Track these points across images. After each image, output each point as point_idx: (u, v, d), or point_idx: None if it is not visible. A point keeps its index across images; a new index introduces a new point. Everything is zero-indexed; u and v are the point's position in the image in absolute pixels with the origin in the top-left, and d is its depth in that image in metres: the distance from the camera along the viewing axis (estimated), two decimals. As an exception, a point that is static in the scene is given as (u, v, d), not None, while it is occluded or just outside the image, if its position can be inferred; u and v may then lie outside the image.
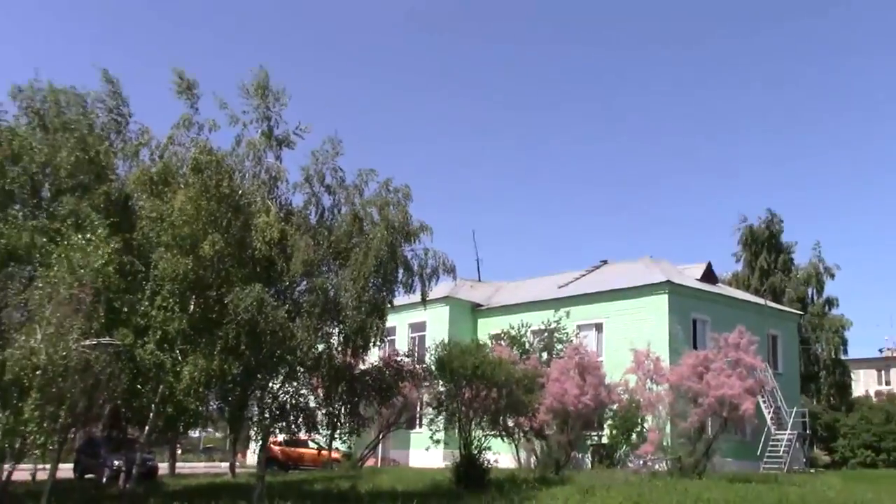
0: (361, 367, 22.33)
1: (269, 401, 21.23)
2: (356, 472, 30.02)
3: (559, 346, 36.55)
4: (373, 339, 20.42)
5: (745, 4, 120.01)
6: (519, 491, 22.60)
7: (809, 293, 48.46)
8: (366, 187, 21.75)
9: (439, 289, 32.35)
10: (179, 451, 44.62)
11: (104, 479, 28.25)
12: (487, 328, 41.48)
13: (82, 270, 14.17)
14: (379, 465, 38.10)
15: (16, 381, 13.41)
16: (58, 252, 14.78)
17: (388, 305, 21.33)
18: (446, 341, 25.43)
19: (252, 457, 45.04)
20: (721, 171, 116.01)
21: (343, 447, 35.40)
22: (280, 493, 22.52)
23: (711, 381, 24.73)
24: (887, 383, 57.36)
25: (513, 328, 36.98)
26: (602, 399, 28.52)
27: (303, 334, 19.27)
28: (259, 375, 20.91)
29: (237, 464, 37.29)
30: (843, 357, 49.74)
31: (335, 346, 20.64)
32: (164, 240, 19.53)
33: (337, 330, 20.59)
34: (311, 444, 34.68)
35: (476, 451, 23.95)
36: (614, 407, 30.26)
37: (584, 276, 44.35)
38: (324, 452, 34.69)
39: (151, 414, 20.42)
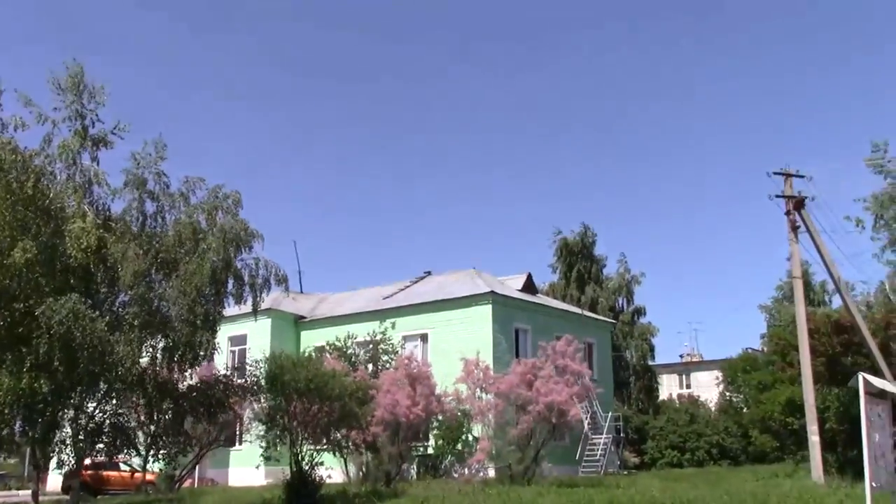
0: (187, 382, 21.01)
1: (84, 421, 19.58)
2: (175, 495, 28.32)
3: (385, 358, 36.41)
4: (202, 354, 19.31)
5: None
6: (356, 505, 22.11)
7: (619, 302, 50.81)
8: (192, 195, 20.63)
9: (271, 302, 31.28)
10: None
11: None
12: (311, 340, 40.71)
13: None
14: (196, 485, 36.28)
15: None
16: None
17: (219, 317, 20.25)
18: (271, 354, 24.45)
19: (52, 483, 41.85)
20: (540, 182, 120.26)
21: (157, 468, 33.51)
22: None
23: (541, 388, 25.17)
24: (688, 387, 61.06)
25: (339, 340, 36.43)
26: (433, 409, 28.45)
27: (124, 349, 17.91)
28: (73, 394, 19.28)
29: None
30: (650, 363, 52.48)
31: (160, 360, 19.26)
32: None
33: (161, 344, 19.24)
34: (122, 465, 32.57)
35: (308, 467, 23.15)
36: (440, 417, 30.36)
37: (408, 287, 44.50)
38: (137, 475, 32.59)
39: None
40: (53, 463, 23.18)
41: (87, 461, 35.41)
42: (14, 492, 41.27)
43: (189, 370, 19.95)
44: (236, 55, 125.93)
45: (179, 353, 18.98)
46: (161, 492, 31.57)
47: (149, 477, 33.01)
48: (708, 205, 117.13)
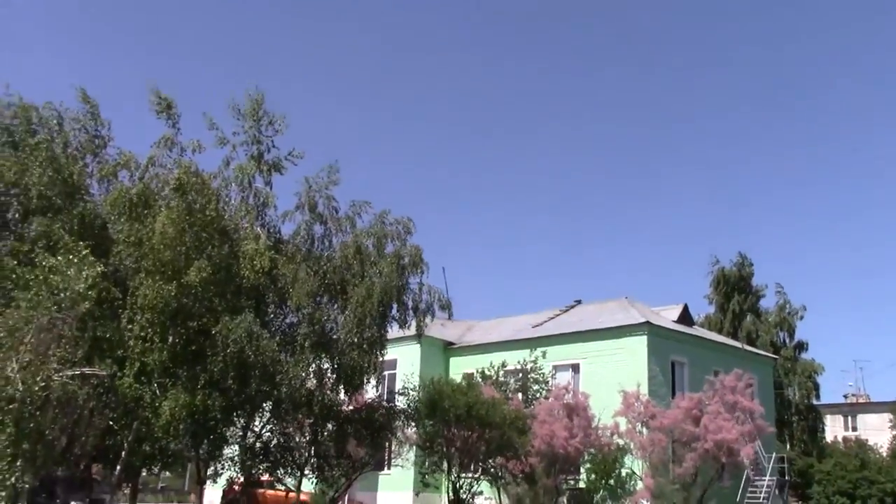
0: (352, 406, 21.02)
1: (252, 439, 19.85)
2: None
3: (536, 387, 35.72)
4: (368, 377, 19.27)
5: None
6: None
7: (780, 337, 48.28)
8: (358, 218, 20.77)
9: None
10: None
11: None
12: (460, 367, 40.47)
13: (63, 294, 12.76)
14: (345, 507, 36.51)
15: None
16: (35, 274, 13.36)
17: (385, 341, 20.23)
18: (430, 379, 24.30)
19: (209, 497, 43.09)
20: (691, 210, 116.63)
21: (309, 488, 33.91)
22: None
23: (709, 425, 23.88)
24: (854, 429, 57.26)
25: (492, 367, 36.01)
26: (591, 441, 27.53)
27: (294, 369, 18.04)
28: (242, 412, 19.58)
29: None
30: (814, 402, 49.55)
31: (327, 383, 19.31)
32: (144, 265, 18.19)
33: (329, 366, 19.30)
34: (277, 485, 33.12)
35: (468, 496, 22.80)
36: (592, 451, 29.39)
37: (558, 315, 43.72)
38: (291, 494, 33.04)
39: (124, 452, 18.90)
40: (212, 478, 23.76)
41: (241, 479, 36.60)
42: (175, 504, 42.62)
43: (357, 393, 19.90)
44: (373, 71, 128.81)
45: (347, 375, 18.93)
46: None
47: (302, 497, 33.56)
48: (872, 233, 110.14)
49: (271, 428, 20.10)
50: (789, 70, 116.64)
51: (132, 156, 20.82)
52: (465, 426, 22.48)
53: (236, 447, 20.32)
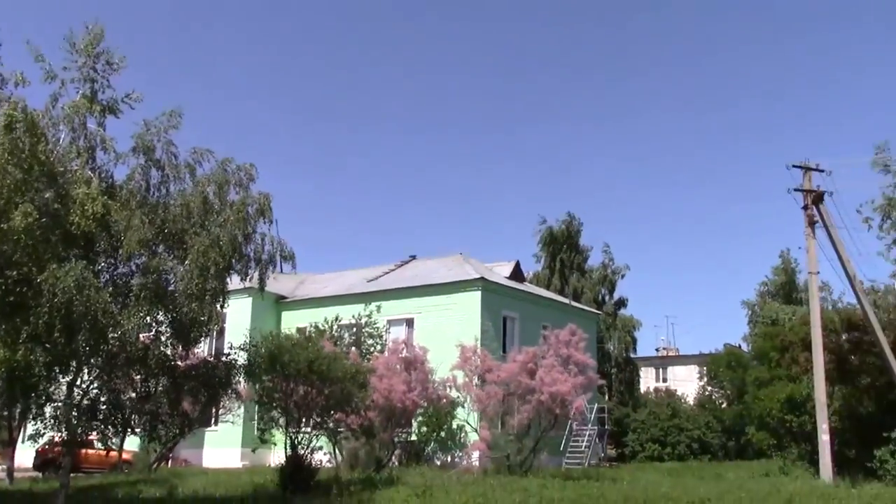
0: (187, 361, 20.05)
1: (79, 397, 18.54)
2: (155, 475, 27.40)
3: (370, 342, 35.74)
4: (209, 330, 18.45)
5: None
6: (351, 494, 21.36)
7: (602, 293, 50.49)
8: (199, 167, 19.58)
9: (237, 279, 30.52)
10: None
11: None
12: (292, 321, 39.94)
13: None
14: (169, 465, 35.33)
15: None
16: None
17: (226, 293, 19.36)
18: (269, 333, 23.67)
19: (19, 459, 40.43)
20: (524, 172, 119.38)
21: (132, 447, 32.52)
22: (80, 502, 20.03)
23: (545, 378, 24.59)
24: (664, 380, 61.06)
25: (326, 322, 35.64)
26: (429, 395, 27.80)
27: (129, 321, 16.94)
28: (66, 368, 18.23)
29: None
30: (632, 356, 52.32)
31: (162, 336, 18.29)
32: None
33: (166, 319, 18.25)
34: (97, 444, 31.54)
35: (306, 451, 22.43)
36: (424, 404, 29.73)
37: (393, 270, 43.95)
38: (112, 453, 31.53)
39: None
40: (33, 439, 22.29)
41: (58, 438, 34.57)
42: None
43: (192, 346, 18.99)
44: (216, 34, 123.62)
45: (185, 328, 18.00)
46: (138, 471, 30.61)
47: (125, 456, 32.11)
48: (692, 199, 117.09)
49: (100, 385, 18.85)
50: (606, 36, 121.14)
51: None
52: (305, 381, 22.01)
53: (58, 405, 19.03)
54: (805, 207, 22.31)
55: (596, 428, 38.30)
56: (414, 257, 45.34)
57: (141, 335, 17.79)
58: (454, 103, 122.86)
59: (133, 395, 19.46)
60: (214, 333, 38.15)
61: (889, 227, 26.85)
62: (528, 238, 58.59)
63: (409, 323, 38.48)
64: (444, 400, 28.79)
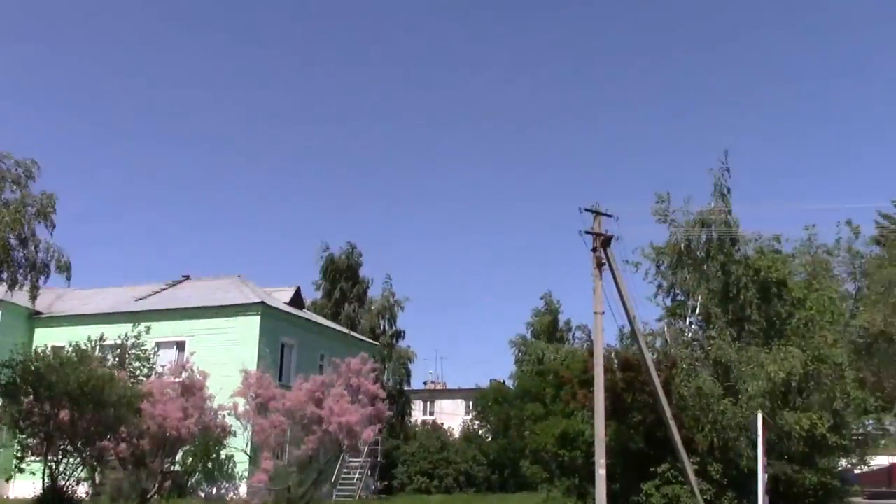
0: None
1: None
2: None
3: (136, 364, 33.36)
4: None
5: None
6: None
7: (382, 325, 50.42)
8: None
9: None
10: None
11: None
12: (47, 339, 36.32)
13: None
14: None
15: None
16: None
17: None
18: (32, 351, 21.37)
19: None
20: (305, 201, 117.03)
21: None
22: None
23: (334, 408, 23.85)
24: (431, 413, 61.88)
25: (90, 341, 32.79)
26: (208, 422, 26.16)
27: None
28: None
29: None
30: (405, 388, 52.55)
31: None
32: None
33: None
34: None
35: (67, 482, 20.32)
36: (200, 431, 28.05)
37: (164, 290, 41.45)
38: None
39: None
40: None
41: None
42: None
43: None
44: None
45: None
46: None
47: None
48: (466, 233, 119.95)
49: None
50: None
51: None
52: (71, 404, 19.98)
53: None
54: (594, 249, 23.27)
55: (369, 460, 37.91)
56: (187, 277, 43.01)
57: None
58: (231, 115, 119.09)
59: None
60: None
61: (656, 274, 28.85)
62: (308, 266, 57.62)
63: (181, 346, 36.24)
64: (221, 429, 27.23)
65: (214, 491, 32.02)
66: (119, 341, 33.79)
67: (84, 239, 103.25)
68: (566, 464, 28.01)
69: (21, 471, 20.42)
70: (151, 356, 33.97)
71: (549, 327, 57.01)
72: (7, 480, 21.34)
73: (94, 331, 34.16)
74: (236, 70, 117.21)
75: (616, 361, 26.20)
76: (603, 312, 23.24)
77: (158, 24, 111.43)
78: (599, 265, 23.47)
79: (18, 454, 20.70)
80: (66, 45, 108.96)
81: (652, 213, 27.82)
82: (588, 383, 24.99)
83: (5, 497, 30.30)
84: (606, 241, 23.51)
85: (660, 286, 29.35)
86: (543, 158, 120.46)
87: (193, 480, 30.69)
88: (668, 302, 29.49)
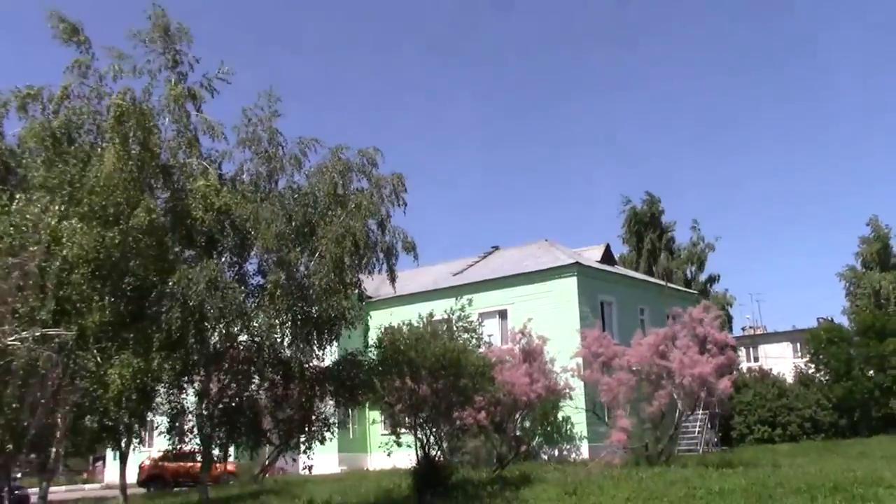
0: (320, 363, 18.64)
1: (209, 407, 17.26)
2: (272, 486, 26.24)
3: (465, 336, 34.35)
4: (349, 326, 17.11)
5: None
6: (492, 495, 19.89)
7: (691, 272, 48.56)
8: (305, 158, 18.19)
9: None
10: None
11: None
12: (380, 321, 38.41)
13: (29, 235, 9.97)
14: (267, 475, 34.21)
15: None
16: None
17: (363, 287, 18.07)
18: (388, 328, 22.24)
19: (108, 476, 39.81)
20: (603, 148, 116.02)
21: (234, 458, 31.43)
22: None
23: (684, 360, 22.83)
24: (755, 359, 58.64)
25: (421, 318, 34.25)
26: (551, 386, 26.25)
27: (265, 321, 15.64)
28: (196, 375, 17.04)
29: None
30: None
31: (299, 336, 16.87)
32: (76, 211, 15.22)
33: (300, 317, 16.85)
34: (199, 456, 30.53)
35: (437, 452, 21.08)
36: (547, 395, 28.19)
37: (477, 262, 42.43)
38: (217, 465, 30.48)
39: (59, 432, 15.98)
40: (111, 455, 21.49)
41: (159, 453, 33.51)
42: (81, 486, 39.18)
43: (329, 346, 17.63)
44: None
45: (321, 325, 16.62)
46: (245, 482, 29.54)
47: (230, 468, 31.01)
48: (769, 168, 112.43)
49: (233, 392, 17.57)
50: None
51: (41, 88, 17.61)
52: (432, 377, 20.63)
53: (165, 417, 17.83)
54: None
55: (708, 412, 36.38)
56: (497, 248, 43.78)
57: (277, 336, 16.43)
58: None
59: (266, 401, 18.10)
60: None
61: None
62: (609, 223, 56.72)
63: (503, 314, 36.91)
64: (567, 390, 27.23)
65: (556, 453, 32.23)
66: (445, 316, 35.18)
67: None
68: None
69: (399, 445, 21.46)
70: (477, 327, 35.03)
71: (880, 255, 51.81)
72: (388, 455, 22.49)
73: (420, 309, 35.85)
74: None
75: None
76: None
77: None
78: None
79: (389, 430, 21.83)
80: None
81: None
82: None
83: (344, 470, 32.50)
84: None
85: None
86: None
87: (535, 443, 31.06)
88: None
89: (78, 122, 16.85)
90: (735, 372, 27.55)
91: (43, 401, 10.59)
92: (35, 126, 16.31)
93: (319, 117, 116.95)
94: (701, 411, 35.34)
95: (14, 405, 9.77)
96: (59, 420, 11.44)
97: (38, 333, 10.09)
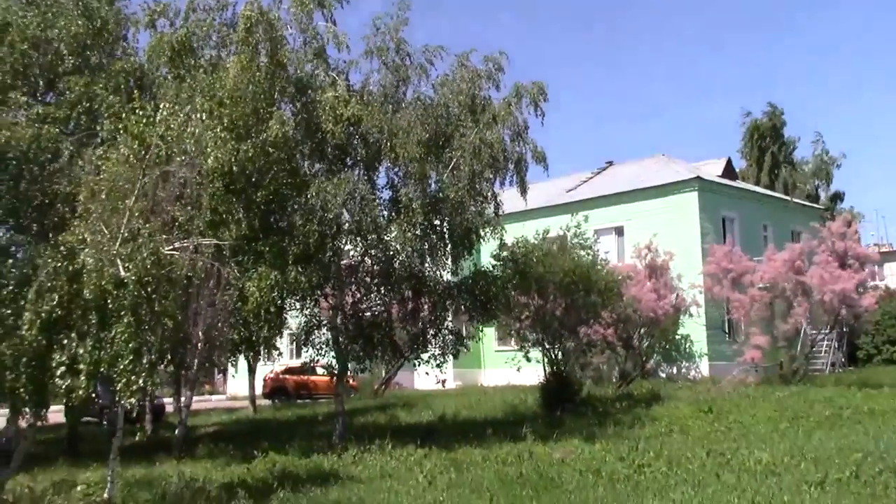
0: (451, 278, 18.42)
1: (342, 321, 17.29)
2: (394, 400, 26.62)
3: (581, 253, 33.70)
4: (485, 238, 16.81)
5: None
6: (624, 411, 19.59)
7: (816, 187, 46.36)
8: (431, 67, 17.64)
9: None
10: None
11: (106, 423, 23.30)
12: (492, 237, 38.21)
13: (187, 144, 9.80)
14: (383, 389, 34.78)
15: (96, 302, 9.26)
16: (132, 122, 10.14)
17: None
18: (514, 243, 21.72)
19: (234, 387, 41.13)
20: (702, 63, 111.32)
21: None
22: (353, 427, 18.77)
23: (825, 276, 21.76)
24: (882, 278, 56.11)
25: (537, 235, 33.75)
26: (679, 303, 25.56)
27: (401, 234, 15.41)
28: (328, 288, 17.02)
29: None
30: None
31: (437, 249, 16.63)
32: (214, 123, 15.14)
33: (438, 229, 16.60)
34: (319, 370, 31.16)
35: (565, 367, 20.83)
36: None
37: (591, 178, 41.30)
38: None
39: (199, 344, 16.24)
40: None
41: (281, 367, 34.32)
42: (208, 396, 40.71)
43: (464, 260, 17.41)
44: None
45: (458, 237, 16.35)
46: (366, 396, 30.07)
47: (351, 383, 31.59)
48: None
49: (367, 306, 17.56)
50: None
51: (167, 4, 17.51)
52: (560, 293, 20.23)
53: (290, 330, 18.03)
54: None
55: (836, 331, 34.97)
56: (611, 163, 42.54)
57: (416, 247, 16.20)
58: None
59: (399, 315, 18.01)
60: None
61: None
62: (728, 136, 54.18)
63: (619, 231, 35.91)
64: (695, 306, 26.49)
65: (675, 371, 31.63)
66: (561, 233, 34.52)
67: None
68: None
69: (528, 360, 21.28)
70: (593, 244, 34.28)
71: None
72: (518, 370, 22.35)
73: (535, 225, 35.25)
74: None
75: None
76: None
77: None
78: None
79: (517, 345, 21.63)
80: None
81: None
82: None
83: (459, 385, 32.58)
84: None
85: None
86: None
87: (653, 361, 30.56)
88: None
89: (202, 35, 16.73)
90: (878, 288, 26.12)
91: (203, 311, 10.60)
92: (161, 40, 16.25)
93: (424, 25, 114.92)
94: (827, 331, 34.12)
95: (178, 315, 9.76)
96: (199, 332, 11.38)
97: (196, 243, 10.02)
